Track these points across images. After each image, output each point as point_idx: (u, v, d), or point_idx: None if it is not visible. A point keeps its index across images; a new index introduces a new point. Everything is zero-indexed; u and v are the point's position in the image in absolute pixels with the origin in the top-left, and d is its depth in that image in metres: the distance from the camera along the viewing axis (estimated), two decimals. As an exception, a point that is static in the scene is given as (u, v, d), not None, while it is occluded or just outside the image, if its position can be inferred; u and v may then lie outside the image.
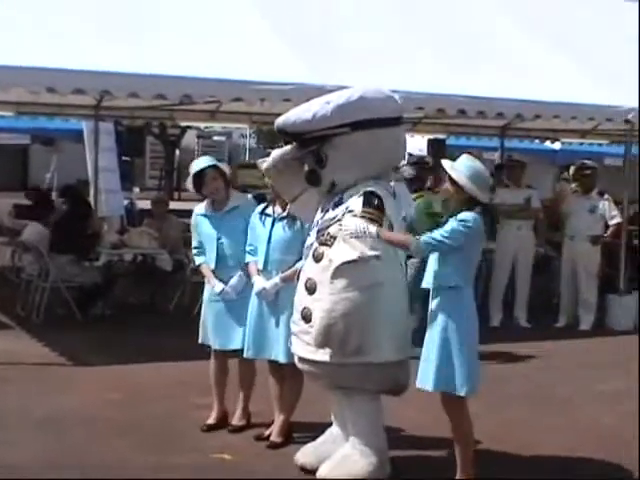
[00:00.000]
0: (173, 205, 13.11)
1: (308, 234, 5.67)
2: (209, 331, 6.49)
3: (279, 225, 6.11)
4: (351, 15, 10.69)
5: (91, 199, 13.19)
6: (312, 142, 5.51)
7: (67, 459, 5.76)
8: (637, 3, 12.35)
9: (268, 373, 6.26)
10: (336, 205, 5.45)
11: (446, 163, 5.27)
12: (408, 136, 10.92)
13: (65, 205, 11.57)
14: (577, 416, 7.14)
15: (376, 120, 5.45)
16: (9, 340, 9.15)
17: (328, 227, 5.41)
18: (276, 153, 5.85)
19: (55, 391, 7.33)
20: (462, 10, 11.69)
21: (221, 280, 6.39)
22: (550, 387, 8.01)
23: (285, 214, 6.09)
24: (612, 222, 10.99)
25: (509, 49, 11.11)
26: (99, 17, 9.10)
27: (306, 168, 5.58)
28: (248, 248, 6.26)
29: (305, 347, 5.45)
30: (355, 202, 5.34)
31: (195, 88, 8.86)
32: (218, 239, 6.42)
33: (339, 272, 5.22)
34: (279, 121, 5.65)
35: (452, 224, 5.08)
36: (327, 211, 5.51)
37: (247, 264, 6.26)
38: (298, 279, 5.61)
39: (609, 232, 11.06)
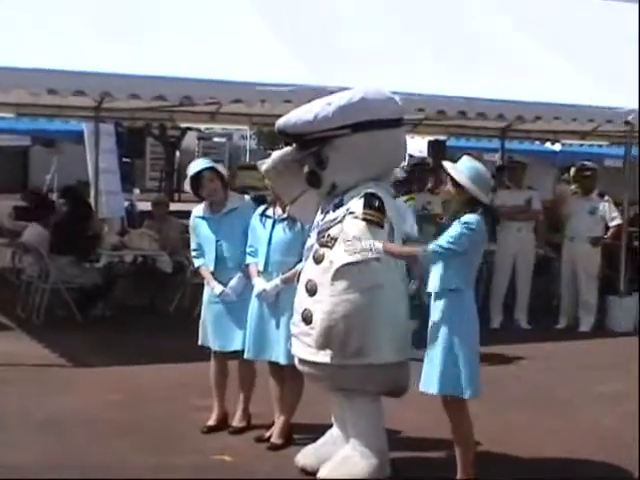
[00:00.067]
0: (173, 206, 13.12)
1: (308, 236, 5.68)
2: (209, 333, 6.49)
3: (279, 227, 6.11)
4: (351, 16, 10.69)
5: (91, 200, 13.19)
6: (312, 143, 5.51)
7: (67, 460, 5.76)
8: (637, 4, 12.36)
9: (268, 374, 6.27)
10: (336, 207, 5.45)
11: (447, 164, 5.27)
12: (408, 137, 10.96)
13: (65, 206, 11.57)
14: (577, 417, 7.14)
15: (377, 122, 5.45)
16: (9, 341, 9.15)
17: (329, 229, 5.40)
18: (276, 154, 5.85)
19: (55, 392, 7.33)
20: (462, 11, 11.70)
21: (220, 282, 6.38)
22: (550, 388, 8.01)
23: (285, 216, 6.09)
24: (612, 223, 10.99)
25: (509, 50, 11.12)
26: (99, 18, 9.11)
27: (306, 169, 5.58)
28: (248, 250, 6.26)
29: (306, 349, 5.45)
30: (356, 204, 5.34)
31: (195, 89, 8.86)
32: (217, 241, 6.42)
33: (340, 274, 5.21)
34: (279, 122, 5.65)
35: (457, 228, 5.06)
36: (327, 213, 5.51)
37: (247, 266, 6.26)
38: (298, 281, 5.61)
39: (609, 233, 11.06)
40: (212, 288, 6.42)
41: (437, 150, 15.16)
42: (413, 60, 10.11)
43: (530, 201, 10.92)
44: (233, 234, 6.38)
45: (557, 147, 18.05)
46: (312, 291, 5.41)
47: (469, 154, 5.63)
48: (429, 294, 5.27)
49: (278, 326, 6.02)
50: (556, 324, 10.96)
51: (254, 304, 6.15)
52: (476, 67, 10.37)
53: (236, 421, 6.47)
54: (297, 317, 5.55)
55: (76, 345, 8.96)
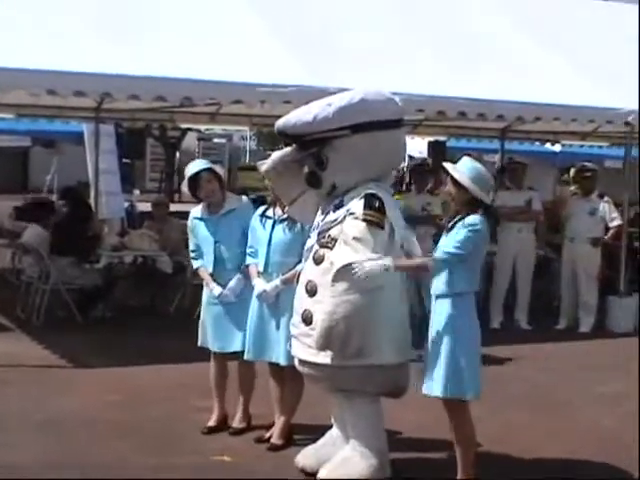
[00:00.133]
0: (173, 207, 13.11)
1: (308, 236, 5.68)
2: (208, 334, 6.49)
3: (279, 227, 6.11)
4: (351, 17, 10.69)
5: (91, 201, 13.19)
6: (312, 144, 5.51)
7: (67, 461, 5.76)
8: (637, 5, 12.36)
9: (268, 375, 6.27)
10: (337, 207, 5.45)
11: (448, 165, 5.27)
12: (408, 138, 10.97)
13: (65, 207, 11.56)
14: (577, 418, 7.14)
15: (376, 122, 5.45)
16: (9, 342, 9.15)
17: (329, 229, 5.40)
18: (276, 155, 5.85)
19: (55, 393, 7.33)
20: (462, 12, 11.70)
21: (219, 283, 6.38)
22: (550, 389, 8.01)
23: (285, 216, 6.09)
24: (612, 224, 10.99)
25: (509, 51, 11.12)
26: (99, 19, 9.10)
27: (306, 170, 5.58)
28: (248, 250, 6.26)
29: (306, 349, 5.45)
30: (356, 204, 5.33)
31: (195, 90, 8.86)
32: (215, 242, 6.41)
33: (340, 275, 5.20)
34: (279, 123, 5.65)
35: (463, 232, 5.06)
36: (328, 213, 5.50)
37: (247, 266, 6.27)
38: (298, 281, 5.61)
39: (609, 234, 11.06)
40: (211, 289, 6.42)
41: (437, 151, 15.18)
42: (413, 61, 10.11)
43: (530, 202, 10.92)
44: (231, 235, 6.38)
45: (557, 148, 18.07)
46: (312, 292, 5.41)
47: (469, 155, 5.64)
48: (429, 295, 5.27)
49: (278, 327, 6.02)
50: (556, 325, 10.96)
51: (254, 305, 6.16)
52: (476, 68, 10.37)
53: (236, 422, 6.47)
54: (297, 318, 5.55)
55: (76, 346, 8.96)
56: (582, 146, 17.24)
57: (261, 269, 6.14)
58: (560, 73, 10.81)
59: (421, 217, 10.12)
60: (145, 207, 14.73)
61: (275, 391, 6.24)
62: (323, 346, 5.28)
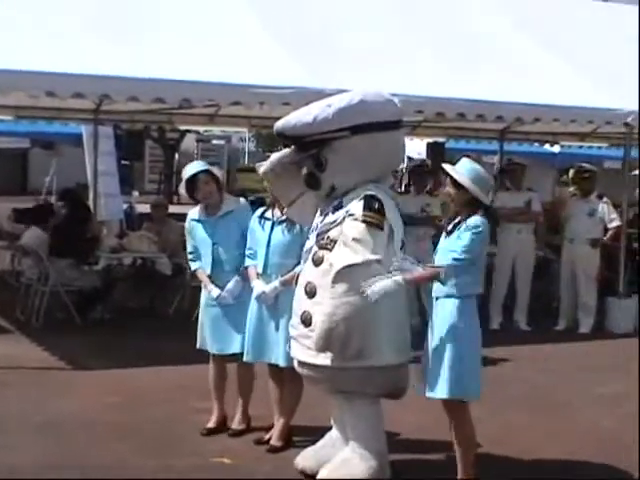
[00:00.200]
0: (172, 209, 13.08)
1: (307, 237, 5.67)
2: (207, 336, 6.48)
3: (278, 229, 6.11)
4: (350, 18, 10.70)
5: (90, 203, 13.17)
6: (311, 146, 5.50)
7: (67, 463, 5.75)
8: (637, 6, 12.37)
9: (268, 377, 6.26)
10: (336, 209, 5.44)
11: (447, 166, 5.27)
12: (407, 139, 10.96)
13: (64, 209, 11.56)
14: (577, 419, 7.14)
15: (376, 124, 5.45)
16: (9, 344, 9.14)
17: (328, 231, 5.39)
18: (274, 157, 5.85)
19: (55, 395, 7.33)
20: (462, 12, 11.71)
21: (217, 285, 6.37)
22: (550, 390, 8.01)
23: (284, 218, 6.09)
24: (611, 225, 10.99)
25: (509, 52, 11.13)
26: (99, 21, 9.11)
27: (305, 171, 5.58)
28: (247, 252, 6.26)
29: (305, 351, 5.45)
30: (355, 206, 5.33)
31: (194, 92, 8.86)
32: (213, 244, 6.41)
33: (340, 276, 5.19)
34: (278, 124, 5.65)
35: (467, 236, 5.04)
36: (327, 215, 5.50)
37: (246, 268, 6.26)
38: (297, 283, 5.61)
39: (608, 235, 11.06)
40: (209, 291, 6.41)
41: (436, 152, 15.20)
42: (412, 62, 10.12)
43: (530, 203, 10.92)
44: (229, 237, 6.38)
45: (556, 149, 18.07)
46: (311, 293, 5.40)
47: (468, 156, 5.64)
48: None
49: (277, 328, 6.01)
50: (555, 325, 10.96)
51: (253, 306, 6.15)
52: (475, 69, 10.38)
53: (235, 423, 6.47)
54: (296, 319, 5.54)
55: (75, 348, 8.95)
56: (581, 147, 17.23)
57: (260, 270, 6.14)
58: (559, 74, 10.82)
59: (420, 218, 10.12)
60: (144, 209, 14.72)
61: (274, 393, 6.24)
62: (323, 348, 5.27)
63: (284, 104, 8.69)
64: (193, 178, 6.41)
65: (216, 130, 29.88)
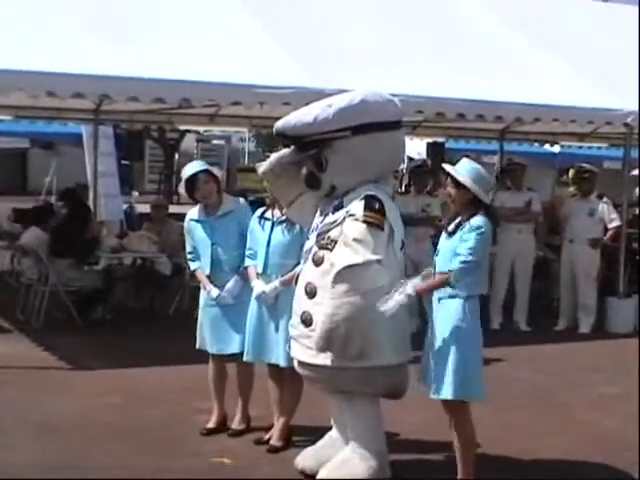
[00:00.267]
0: (172, 209, 13.07)
1: (307, 238, 5.67)
2: (206, 336, 6.48)
3: (278, 229, 6.11)
4: (350, 18, 10.71)
5: (90, 203, 13.16)
6: (312, 146, 5.50)
7: (67, 463, 5.75)
8: (637, 6, 12.37)
9: (267, 377, 6.26)
10: (336, 209, 5.44)
11: (447, 166, 5.27)
12: (407, 139, 10.95)
13: (64, 209, 11.56)
14: (577, 419, 7.14)
15: (376, 124, 5.45)
16: (9, 344, 9.14)
17: (328, 231, 5.39)
18: (273, 157, 5.85)
19: (55, 395, 7.32)
20: (461, 13, 11.71)
21: (216, 285, 6.37)
22: (550, 390, 8.01)
23: (284, 218, 6.09)
24: (611, 225, 10.99)
25: (509, 52, 11.13)
26: (98, 21, 9.11)
27: (304, 171, 5.57)
28: (247, 252, 6.25)
29: (305, 351, 5.44)
30: (356, 206, 5.33)
31: (194, 92, 8.86)
32: (212, 244, 6.40)
33: (341, 276, 5.19)
34: (278, 124, 5.64)
35: (472, 237, 5.03)
36: (327, 215, 5.50)
37: (246, 268, 6.26)
38: (297, 283, 5.60)
39: (608, 235, 11.05)
40: (208, 291, 6.41)
41: (436, 152, 15.20)
42: (412, 62, 10.12)
43: (530, 203, 10.92)
44: (228, 237, 6.37)
45: (556, 149, 18.08)
46: (311, 293, 5.40)
47: (468, 156, 5.64)
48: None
49: (277, 328, 6.01)
50: (555, 326, 10.96)
51: (253, 306, 6.15)
52: (475, 69, 10.38)
53: (235, 423, 6.47)
54: (296, 319, 5.54)
55: (75, 348, 8.95)
56: (581, 147, 17.25)
57: (260, 271, 6.13)
58: (559, 74, 10.82)
59: (420, 218, 10.13)
60: (144, 209, 14.71)
61: (274, 392, 6.24)
62: (323, 348, 5.26)
63: (284, 104, 8.70)
64: (193, 178, 6.41)
65: (216, 130, 29.88)
